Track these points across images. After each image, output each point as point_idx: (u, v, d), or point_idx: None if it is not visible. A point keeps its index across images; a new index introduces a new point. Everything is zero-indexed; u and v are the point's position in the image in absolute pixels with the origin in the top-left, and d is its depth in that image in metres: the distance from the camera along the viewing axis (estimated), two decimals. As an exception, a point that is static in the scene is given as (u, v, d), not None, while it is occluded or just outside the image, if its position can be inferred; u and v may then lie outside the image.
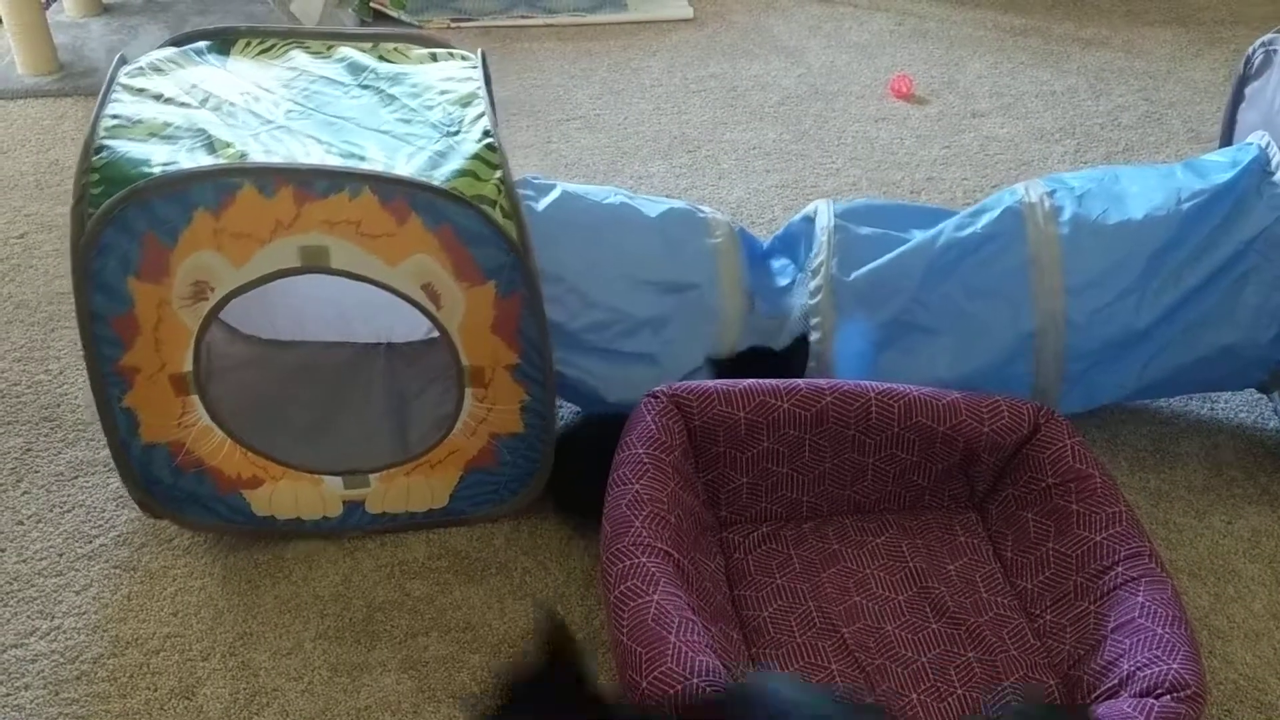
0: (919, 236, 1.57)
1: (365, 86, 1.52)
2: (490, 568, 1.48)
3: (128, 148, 1.33)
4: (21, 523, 1.53)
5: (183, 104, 1.43)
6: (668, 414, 1.39)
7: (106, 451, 1.62)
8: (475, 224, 1.33)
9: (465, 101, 1.49)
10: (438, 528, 1.52)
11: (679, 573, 1.25)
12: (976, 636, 1.32)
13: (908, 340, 1.54)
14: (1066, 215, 1.54)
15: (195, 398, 1.40)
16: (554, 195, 1.58)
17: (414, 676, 1.34)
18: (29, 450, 1.64)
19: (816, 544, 1.44)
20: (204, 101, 1.44)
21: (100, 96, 1.42)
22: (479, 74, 1.55)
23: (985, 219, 1.56)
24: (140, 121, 1.39)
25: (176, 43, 1.57)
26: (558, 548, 1.51)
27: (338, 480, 1.47)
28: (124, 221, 1.29)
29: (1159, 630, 1.21)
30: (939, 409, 1.43)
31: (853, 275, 1.54)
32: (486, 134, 1.42)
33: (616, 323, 1.54)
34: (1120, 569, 1.30)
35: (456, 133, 1.43)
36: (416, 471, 1.48)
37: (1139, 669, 1.18)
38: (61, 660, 1.36)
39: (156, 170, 1.30)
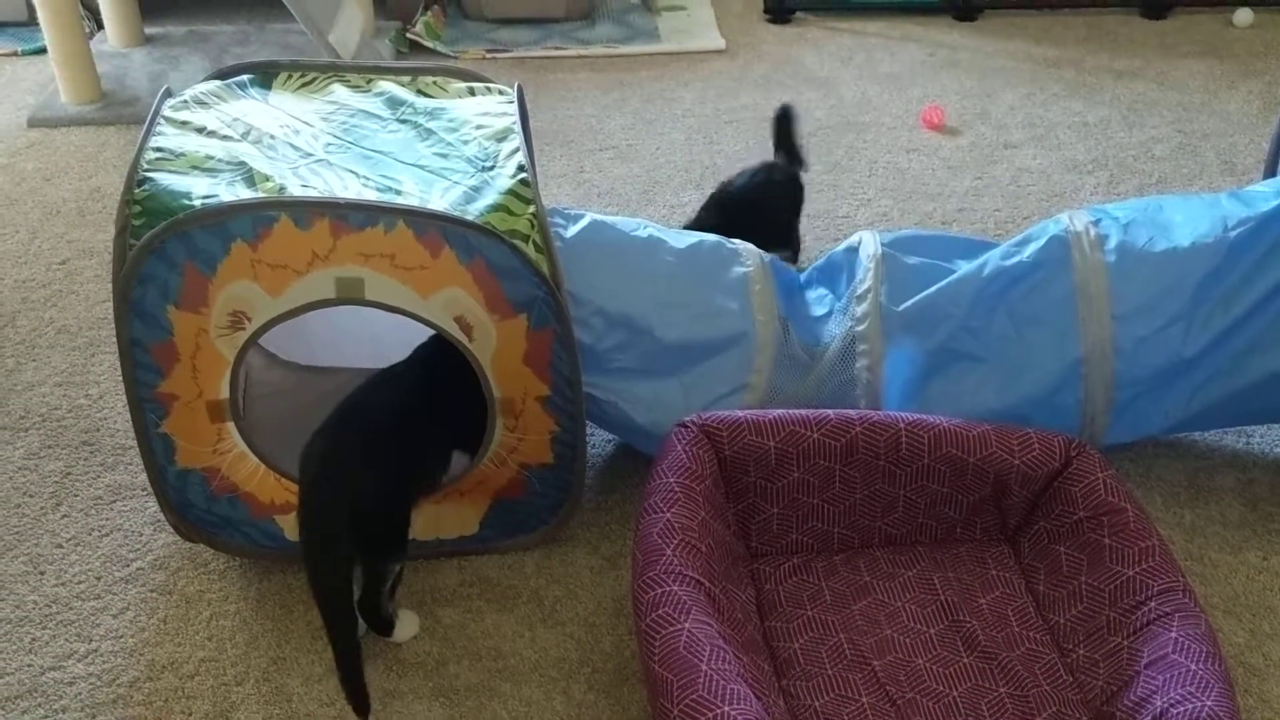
0: (965, 266, 1.57)
1: (403, 121, 1.54)
2: (521, 596, 1.49)
3: (170, 180, 1.36)
4: (60, 546, 1.55)
5: (224, 137, 1.46)
6: (698, 443, 1.39)
7: (144, 475, 1.64)
8: (507, 258, 1.35)
9: (501, 136, 1.51)
10: (469, 555, 1.53)
11: (710, 601, 1.25)
12: (1008, 671, 1.31)
13: (955, 368, 1.54)
14: (1113, 243, 1.55)
15: (231, 425, 1.42)
16: (583, 223, 1.60)
17: (445, 704, 1.35)
18: (68, 474, 1.67)
19: (848, 576, 1.43)
20: (245, 134, 1.47)
21: (145, 129, 1.45)
22: (515, 109, 1.57)
23: (1031, 248, 1.56)
24: (183, 154, 1.41)
25: (220, 75, 1.60)
26: (588, 576, 1.51)
27: None
28: (164, 252, 1.31)
29: (1193, 666, 1.20)
30: (969, 440, 1.43)
31: (902, 306, 1.55)
32: (520, 169, 1.44)
33: (641, 343, 1.55)
34: (1154, 604, 1.29)
35: (491, 168, 1.45)
36: (447, 499, 1.49)
37: (1172, 706, 1.17)
38: (98, 683, 1.37)
39: (197, 203, 1.32)
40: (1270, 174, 1.78)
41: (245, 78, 1.61)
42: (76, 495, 1.63)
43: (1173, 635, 1.25)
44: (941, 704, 1.28)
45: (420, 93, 1.61)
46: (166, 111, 1.50)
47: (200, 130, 1.47)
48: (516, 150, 1.48)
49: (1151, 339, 1.51)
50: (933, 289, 1.56)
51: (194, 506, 1.47)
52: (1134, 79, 2.87)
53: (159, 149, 1.42)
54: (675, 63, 2.97)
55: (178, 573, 1.51)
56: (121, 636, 1.43)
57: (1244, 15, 3.15)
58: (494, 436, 1.46)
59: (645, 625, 1.20)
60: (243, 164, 1.40)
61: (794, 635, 1.36)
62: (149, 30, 3.05)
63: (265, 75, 1.62)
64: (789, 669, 1.32)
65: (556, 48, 3.02)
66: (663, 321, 1.55)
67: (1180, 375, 1.53)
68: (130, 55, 2.94)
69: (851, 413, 1.45)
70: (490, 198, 1.39)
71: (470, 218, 1.34)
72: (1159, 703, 1.19)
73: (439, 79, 1.65)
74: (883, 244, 1.62)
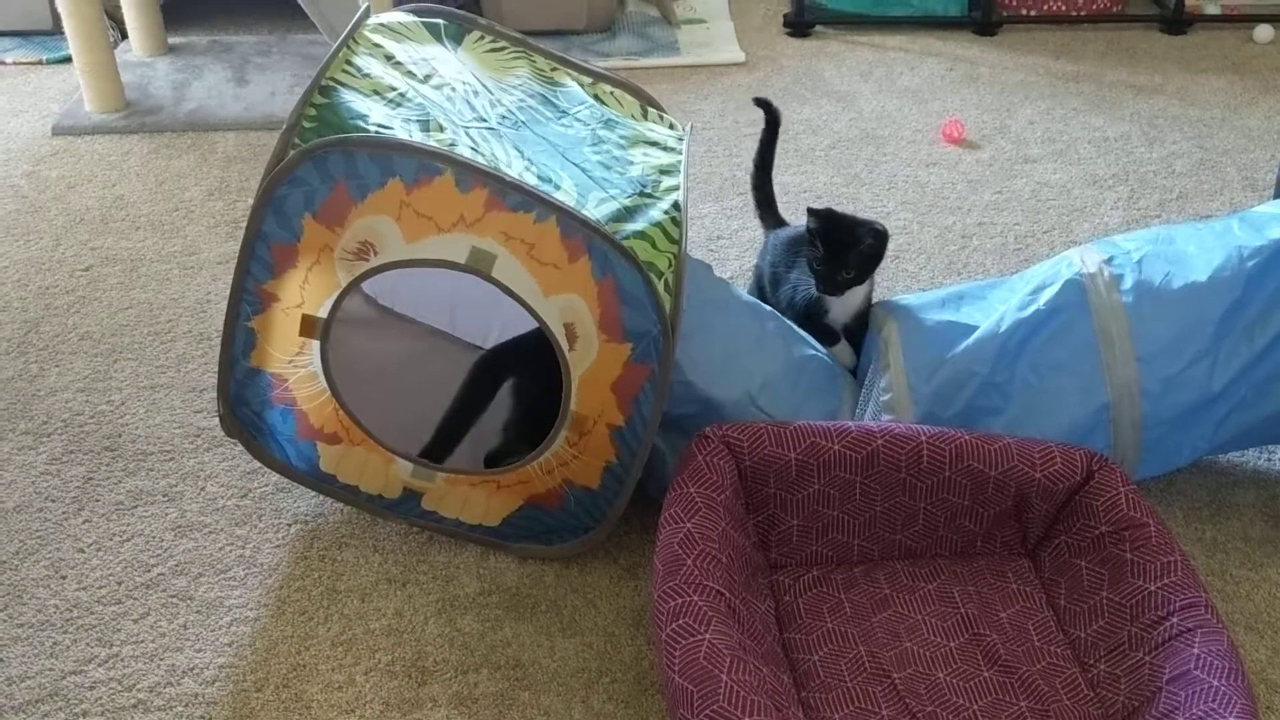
0: (982, 323, 1.56)
1: (578, 119, 1.56)
2: (540, 605, 1.49)
3: (351, 97, 1.39)
4: (82, 550, 1.56)
5: (408, 73, 1.49)
6: (718, 454, 1.39)
7: (166, 481, 1.66)
8: (638, 287, 1.35)
9: (666, 170, 1.53)
10: (486, 559, 1.54)
11: (731, 612, 1.25)
12: (1028, 685, 1.31)
13: (983, 423, 1.53)
14: (1128, 283, 1.53)
15: (316, 343, 1.43)
16: (719, 290, 1.62)
17: (464, 713, 1.35)
18: (90, 479, 1.68)
19: (867, 588, 1.43)
20: (428, 77, 1.49)
21: (341, 39, 1.48)
22: (684, 147, 1.58)
23: (1046, 295, 1.55)
24: (369, 76, 1.44)
25: (417, 12, 1.63)
26: (608, 586, 1.51)
27: (408, 466, 1.50)
28: (324, 162, 1.33)
29: (1215, 683, 1.19)
30: (991, 453, 1.42)
31: (924, 385, 1.54)
32: (675, 207, 1.45)
33: (711, 420, 1.50)
34: (1175, 619, 1.28)
35: (650, 195, 1.46)
36: (482, 486, 1.50)
37: (1195, 721, 1.17)
38: (119, 688, 1.38)
39: (371, 128, 1.35)
40: None
41: (440, 23, 1.63)
42: (98, 500, 1.64)
43: (1195, 651, 1.24)
44: (962, 717, 1.27)
45: (598, 99, 1.63)
46: (365, 30, 1.53)
47: (388, 59, 1.50)
48: (676, 188, 1.49)
49: (1177, 378, 1.50)
50: (953, 355, 1.54)
51: (248, 405, 1.49)
52: (1154, 94, 2.87)
53: (349, 63, 1.44)
54: (695, 75, 2.98)
55: (198, 579, 1.52)
56: (142, 641, 1.44)
57: (1264, 32, 3.15)
58: (552, 445, 1.45)
59: (666, 635, 1.20)
60: (422, 106, 1.42)
61: (813, 647, 1.36)
62: (172, 40, 3.07)
63: (459, 28, 1.64)
64: (808, 681, 1.32)
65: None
66: (738, 416, 1.53)
67: (1206, 409, 1.52)
68: (154, 64, 2.96)
69: (872, 425, 1.45)
70: (640, 224, 1.39)
71: (618, 236, 1.35)
72: (1181, 718, 1.18)
73: (618, 92, 1.67)
74: (896, 310, 1.62)
